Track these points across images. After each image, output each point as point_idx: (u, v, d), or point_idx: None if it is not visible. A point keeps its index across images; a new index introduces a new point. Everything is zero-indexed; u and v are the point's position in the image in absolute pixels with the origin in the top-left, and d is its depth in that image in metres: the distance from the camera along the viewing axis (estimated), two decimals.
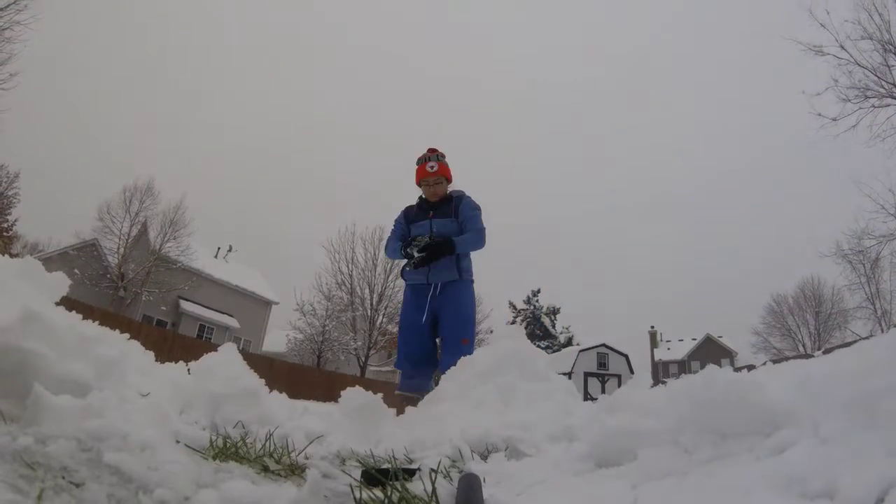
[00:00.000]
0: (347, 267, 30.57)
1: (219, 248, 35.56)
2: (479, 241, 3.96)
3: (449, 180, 4.15)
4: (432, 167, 4.05)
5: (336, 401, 2.18)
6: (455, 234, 3.90)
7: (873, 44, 16.10)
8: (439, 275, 3.94)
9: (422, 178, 4.09)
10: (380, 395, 2.13)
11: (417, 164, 4.14)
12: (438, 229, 3.93)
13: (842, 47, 16.30)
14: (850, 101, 16.31)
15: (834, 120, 16.47)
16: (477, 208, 4.04)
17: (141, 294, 27.13)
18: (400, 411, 2.97)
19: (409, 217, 4.17)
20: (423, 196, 4.16)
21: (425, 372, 4.02)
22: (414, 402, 3.62)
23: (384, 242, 4.04)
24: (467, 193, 4.15)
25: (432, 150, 4.19)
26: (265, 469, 1.24)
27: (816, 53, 16.56)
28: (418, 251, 3.78)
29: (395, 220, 4.23)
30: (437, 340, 4.09)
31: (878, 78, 16.15)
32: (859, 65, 16.27)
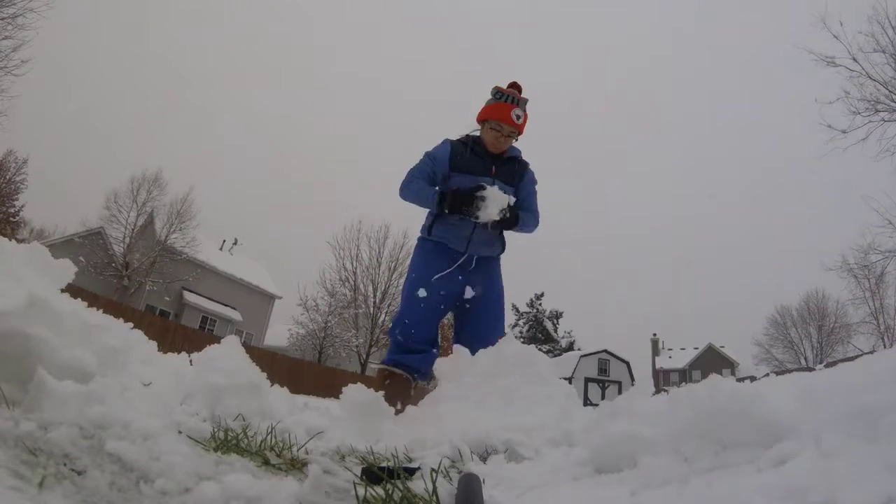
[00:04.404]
0: (352, 264, 30.71)
1: (224, 241, 35.79)
2: (534, 225, 3.24)
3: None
4: (518, 117, 3.06)
5: (336, 397, 2.18)
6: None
7: (886, 57, 16.09)
8: (482, 248, 3.13)
9: (497, 120, 3.06)
10: (381, 392, 2.13)
11: (496, 98, 3.11)
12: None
13: (854, 59, 16.28)
14: (860, 113, 16.32)
15: (844, 132, 16.45)
16: (536, 184, 3.31)
17: (145, 284, 27.27)
18: (389, 393, 2.32)
19: (456, 161, 3.10)
20: (482, 141, 3.15)
21: (431, 353, 3.15)
22: (406, 387, 3.02)
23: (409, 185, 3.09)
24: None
25: (518, 89, 3.15)
26: (266, 463, 1.24)
27: (828, 64, 16.53)
28: (500, 213, 2.89)
29: (429, 154, 3.15)
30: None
31: (889, 92, 16.13)
32: (871, 78, 16.25)
